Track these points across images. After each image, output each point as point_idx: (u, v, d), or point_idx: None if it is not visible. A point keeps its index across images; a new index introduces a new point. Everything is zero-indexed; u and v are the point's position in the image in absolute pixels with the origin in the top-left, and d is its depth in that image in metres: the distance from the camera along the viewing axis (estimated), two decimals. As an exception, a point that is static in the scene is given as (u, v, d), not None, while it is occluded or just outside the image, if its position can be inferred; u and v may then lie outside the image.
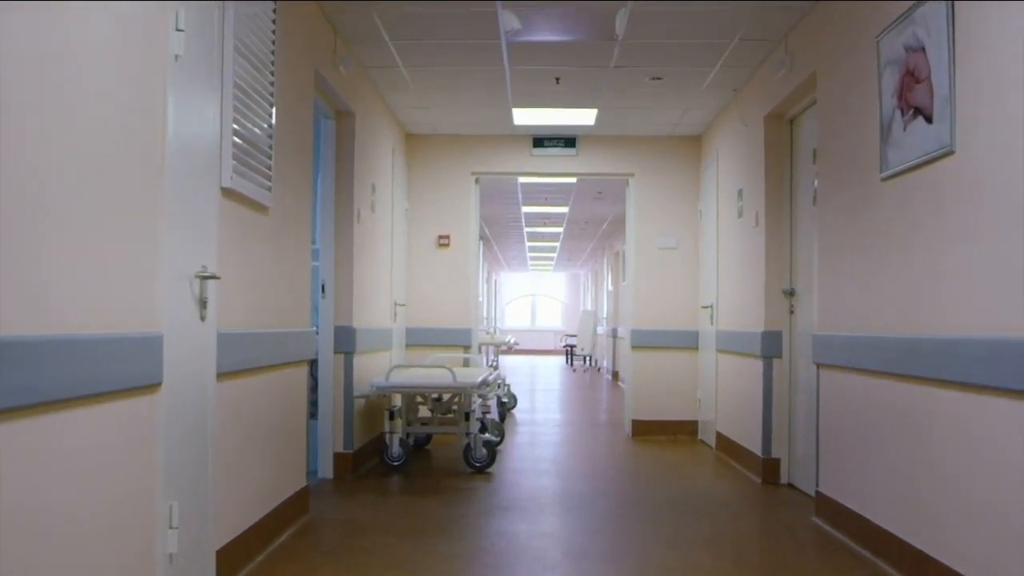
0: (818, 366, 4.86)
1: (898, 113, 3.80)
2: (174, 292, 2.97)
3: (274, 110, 4.08)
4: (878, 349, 3.98)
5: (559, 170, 8.53)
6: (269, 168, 4.05)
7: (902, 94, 3.76)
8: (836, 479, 4.60)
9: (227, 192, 3.51)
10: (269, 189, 4.05)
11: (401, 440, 6.36)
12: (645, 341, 8.42)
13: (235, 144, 3.52)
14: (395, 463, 6.34)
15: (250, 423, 3.89)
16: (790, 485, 5.90)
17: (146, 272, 2.77)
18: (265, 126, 3.97)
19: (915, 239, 3.66)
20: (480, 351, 11.01)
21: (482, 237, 18.73)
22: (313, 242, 6.21)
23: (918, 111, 3.60)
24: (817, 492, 4.86)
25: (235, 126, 3.52)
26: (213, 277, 3.23)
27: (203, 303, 3.24)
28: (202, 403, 3.26)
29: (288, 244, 4.46)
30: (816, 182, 5.25)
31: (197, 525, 3.21)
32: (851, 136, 4.43)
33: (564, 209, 13.56)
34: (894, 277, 3.87)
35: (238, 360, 3.62)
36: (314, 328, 6.14)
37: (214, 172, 3.37)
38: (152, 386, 2.80)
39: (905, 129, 3.73)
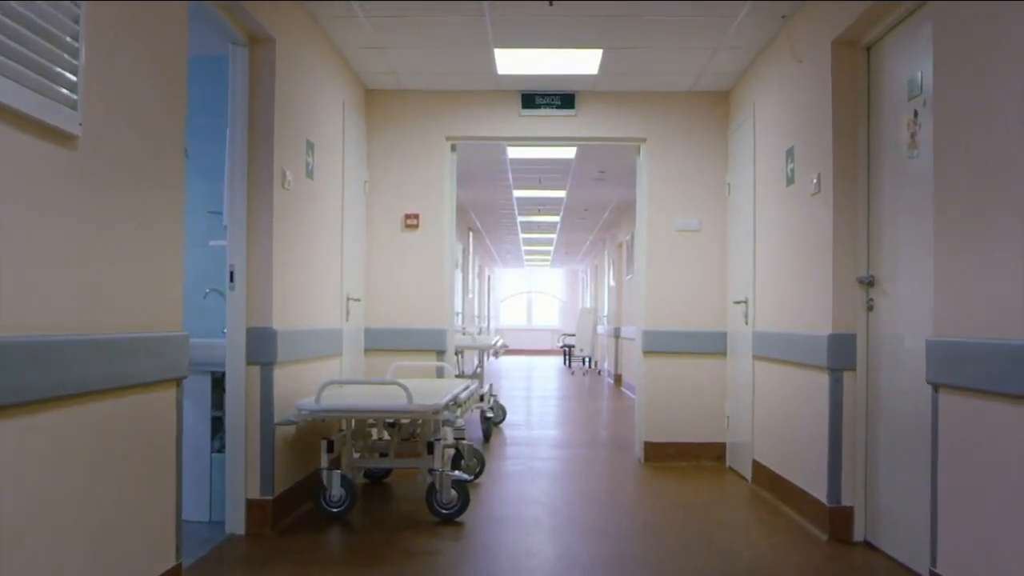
0: (935, 387, 3.28)
1: None
2: None
3: (84, -22, 2.51)
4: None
5: (554, 134, 6.90)
6: (75, 73, 2.47)
7: None
8: (973, 562, 3.02)
9: (-57, 88, 1.94)
10: (75, 107, 2.47)
11: (344, 478, 4.78)
12: (660, 345, 6.82)
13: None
14: (335, 509, 4.76)
15: (37, 493, 2.30)
16: (867, 544, 4.33)
17: None
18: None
19: None
20: (462, 355, 9.42)
21: (472, 229, 17.17)
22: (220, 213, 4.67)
23: None
24: (933, 573, 3.28)
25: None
26: None
27: None
28: None
29: (133, 202, 2.88)
30: (923, 120, 3.69)
31: None
32: (1012, 34, 2.84)
33: (561, 193, 11.99)
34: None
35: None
36: (221, 332, 4.58)
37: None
38: None
39: None
